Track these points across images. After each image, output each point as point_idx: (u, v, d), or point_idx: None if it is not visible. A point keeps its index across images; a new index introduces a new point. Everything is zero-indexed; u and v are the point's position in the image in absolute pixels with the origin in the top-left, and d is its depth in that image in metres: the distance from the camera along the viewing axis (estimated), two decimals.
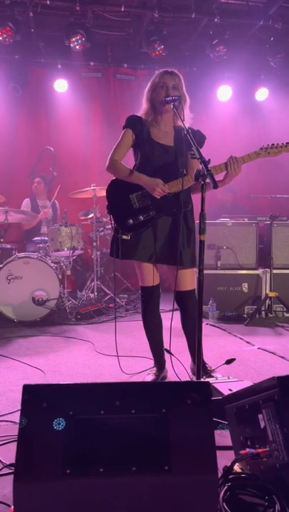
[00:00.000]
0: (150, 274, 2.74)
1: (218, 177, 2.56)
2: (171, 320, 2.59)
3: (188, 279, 2.73)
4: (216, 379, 2.46)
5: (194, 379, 2.62)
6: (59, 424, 1.38)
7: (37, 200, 5.85)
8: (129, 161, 2.78)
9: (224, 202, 6.31)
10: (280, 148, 2.59)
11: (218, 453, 1.38)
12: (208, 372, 2.69)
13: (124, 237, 2.62)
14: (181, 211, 2.62)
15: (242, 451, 1.52)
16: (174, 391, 1.47)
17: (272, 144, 2.60)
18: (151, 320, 2.84)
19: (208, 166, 2.27)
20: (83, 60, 6.50)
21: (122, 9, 5.53)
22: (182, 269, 2.68)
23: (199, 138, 2.67)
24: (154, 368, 2.87)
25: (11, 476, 1.34)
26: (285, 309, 4.72)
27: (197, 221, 2.36)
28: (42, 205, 5.83)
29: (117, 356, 2.96)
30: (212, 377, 2.59)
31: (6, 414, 2.31)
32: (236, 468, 1.61)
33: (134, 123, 2.72)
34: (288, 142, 2.59)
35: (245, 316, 4.73)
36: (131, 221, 2.62)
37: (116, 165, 2.67)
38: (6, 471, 1.74)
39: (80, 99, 6.76)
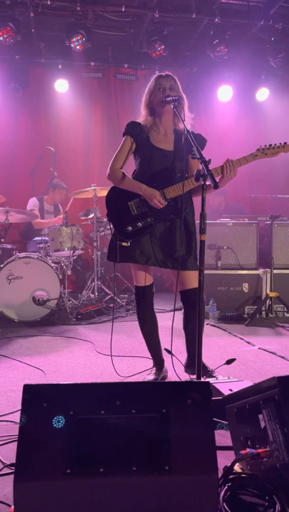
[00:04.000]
0: (142, 275, 2.77)
1: None
2: (172, 320, 2.59)
3: (193, 277, 2.72)
4: (217, 379, 2.46)
5: (192, 377, 2.62)
6: (59, 423, 1.38)
7: (44, 202, 5.82)
8: (130, 166, 2.79)
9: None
10: (277, 149, 2.57)
11: (219, 453, 1.39)
12: (209, 373, 2.69)
13: (124, 244, 2.64)
14: (178, 216, 2.62)
15: (242, 451, 1.52)
16: (174, 391, 1.47)
17: (270, 145, 2.58)
18: (144, 319, 2.86)
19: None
20: (84, 60, 6.51)
21: (123, 9, 5.53)
22: (187, 270, 2.67)
23: (200, 142, 2.66)
24: (154, 368, 2.88)
25: (12, 476, 1.34)
26: (285, 309, 4.73)
27: (197, 221, 2.36)
28: (47, 210, 5.82)
29: (111, 356, 2.96)
30: (213, 377, 2.59)
31: (7, 414, 2.31)
32: (236, 468, 1.61)
33: (133, 129, 2.73)
34: (285, 142, 2.57)
35: (245, 316, 4.73)
36: (130, 228, 2.63)
37: (116, 174, 2.69)
38: (6, 470, 1.74)
39: (81, 99, 6.77)
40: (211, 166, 2.36)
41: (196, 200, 2.68)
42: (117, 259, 2.68)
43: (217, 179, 2.58)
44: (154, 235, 2.67)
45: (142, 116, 2.76)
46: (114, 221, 2.71)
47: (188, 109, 2.71)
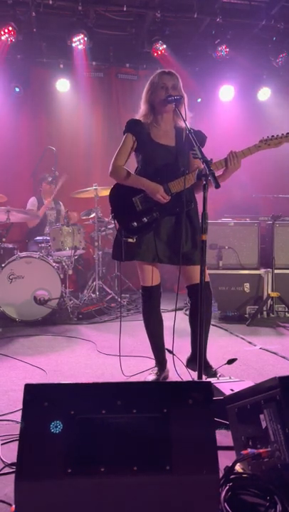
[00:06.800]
0: (149, 275, 2.75)
1: (218, 172, 2.56)
2: (174, 320, 2.59)
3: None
4: (218, 379, 2.46)
5: (191, 372, 2.62)
6: (60, 423, 1.38)
7: (43, 200, 5.84)
8: (131, 164, 2.78)
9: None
10: (280, 139, 2.57)
11: (220, 453, 1.38)
12: (214, 374, 2.67)
13: (130, 240, 2.63)
14: (183, 210, 2.62)
15: (243, 452, 1.52)
16: (175, 391, 1.46)
17: (273, 136, 2.58)
18: (150, 319, 2.84)
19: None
20: (85, 60, 6.50)
21: (124, 9, 5.53)
22: (193, 265, 2.65)
23: (200, 138, 2.66)
24: (156, 368, 2.87)
25: (13, 475, 1.34)
26: (286, 309, 4.72)
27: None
28: (48, 206, 5.84)
29: (119, 356, 2.96)
30: (214, 376, 2.59)
31: (8, 413, 2.31)
32: (238, 468, 1.60)
33: (133, 127, 2.72)
34: (288, 132, 2.57)
35: (246, 316, 4.72)
36: (135, 224, 2.62)
37: (119, 170, 2.69)
38: (7, 470, 1.75)
39: (82, 99, 6.77)
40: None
41: (199, 201, 2.67)
42: (122, 257, 2.67)
43: (221, 171, 2.58)
44: (159, 232, 2.66)
45: (141, 111, 2.75)
46: (119, 218, 2.69)
47: (189, 108, 2.70)
